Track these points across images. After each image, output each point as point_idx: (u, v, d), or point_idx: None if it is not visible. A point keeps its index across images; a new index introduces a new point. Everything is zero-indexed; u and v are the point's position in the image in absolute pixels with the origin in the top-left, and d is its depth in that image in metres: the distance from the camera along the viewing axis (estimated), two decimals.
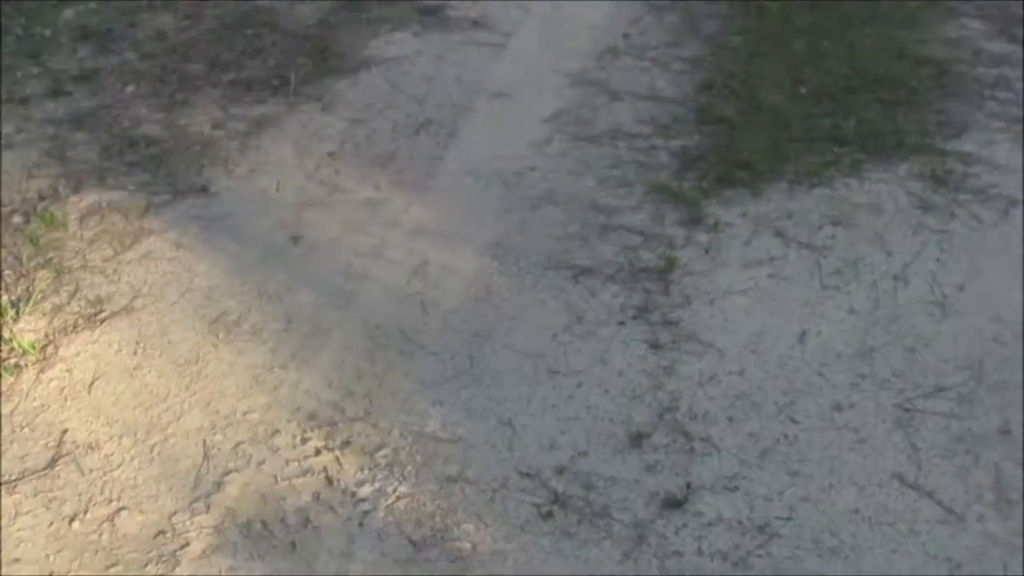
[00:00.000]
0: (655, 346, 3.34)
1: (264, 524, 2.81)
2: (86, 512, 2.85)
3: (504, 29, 5.12)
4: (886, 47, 4.96)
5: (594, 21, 5.20)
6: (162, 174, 4.06)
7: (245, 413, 3.12)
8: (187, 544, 2.76)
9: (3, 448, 3.01)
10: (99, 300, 3.50)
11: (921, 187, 4.02)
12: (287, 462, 2.98)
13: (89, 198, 3.94)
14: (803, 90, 4.63)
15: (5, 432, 3.06)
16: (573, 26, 5.16)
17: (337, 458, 2.99)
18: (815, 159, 4.18)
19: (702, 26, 5.17)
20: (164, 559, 2.73)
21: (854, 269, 3.63)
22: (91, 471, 2.96)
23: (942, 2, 5.38)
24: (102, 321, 3.43)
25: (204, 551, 2.74)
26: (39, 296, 3.50)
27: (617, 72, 4.80)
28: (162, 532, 2.80)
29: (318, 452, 3.01)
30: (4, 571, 2.69)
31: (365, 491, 2.90)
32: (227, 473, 2.95)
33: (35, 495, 2.90)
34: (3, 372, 3.22)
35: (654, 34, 5.10)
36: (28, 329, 3.39)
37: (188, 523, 2.82)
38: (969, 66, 4.85)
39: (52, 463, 2.98)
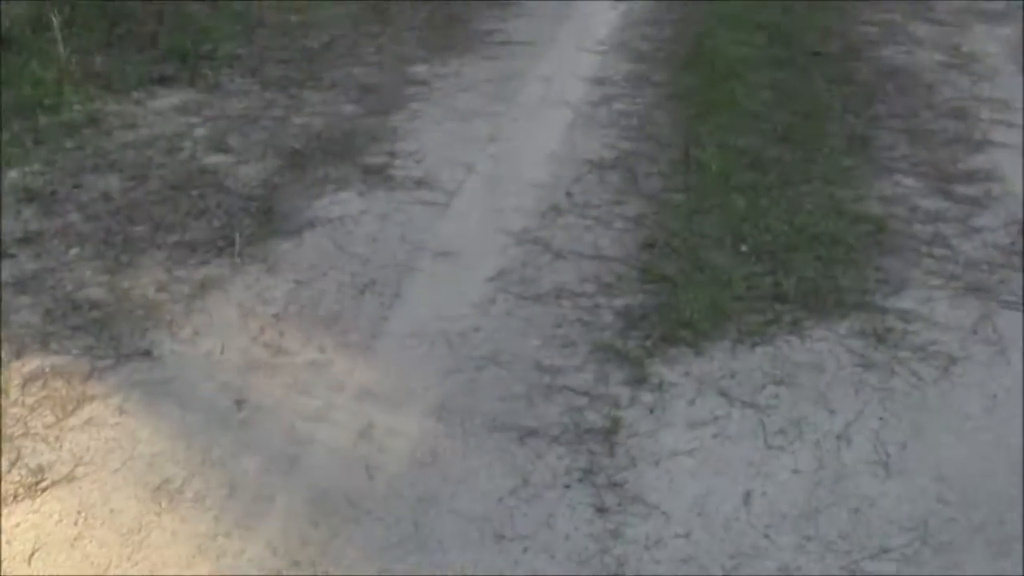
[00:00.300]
0: (601, 509, 3.33)
1: None
2: None
3: (448, 188, 5.17)
4: (824, 204, 5.05)
5: (537, 180, 5.27)
6: (106, 338, 4.04)
7: None
8: None
9: None
10: (40, 468, 3.45)
11: (862, 345, 4.07)
12: None
13: (31, 363, 3.91)
14: (744, 248, 4.70)
15: None
16: (517, 185, 5.22)
17: None
18: (757, 318, 4.22)
19: (643, 184, 5.25)
20: None
21: (797, 428, 3.65)
22: None
23: (877, 160, 5.50)
24: (43, 490, 3.38)
25: None
26: None
27: (560, 231, 4.85)
28: None
29: None
30: None
31: None
32: None
33: None
34: None
35: (597, 192, 5.17)
36: None
37: None
38: (906, 223, 4.95)
39: None
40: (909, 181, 5.34)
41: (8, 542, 3.20)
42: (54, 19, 6.22)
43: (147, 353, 3.98)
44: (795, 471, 3.47)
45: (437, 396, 3.80)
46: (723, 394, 3.81)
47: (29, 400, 3.73)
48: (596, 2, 7.78)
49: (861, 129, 5.84)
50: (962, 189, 5.28)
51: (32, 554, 3.16)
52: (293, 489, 3.40)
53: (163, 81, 6.15)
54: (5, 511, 3.30)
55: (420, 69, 6.49)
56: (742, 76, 6.42)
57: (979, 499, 3.36)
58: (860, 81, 6.47)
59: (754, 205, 5.01)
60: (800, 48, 6.90)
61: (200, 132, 5.61)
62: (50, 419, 3.64)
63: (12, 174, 5.15)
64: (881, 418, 3.69)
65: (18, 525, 3.26)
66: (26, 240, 4.66)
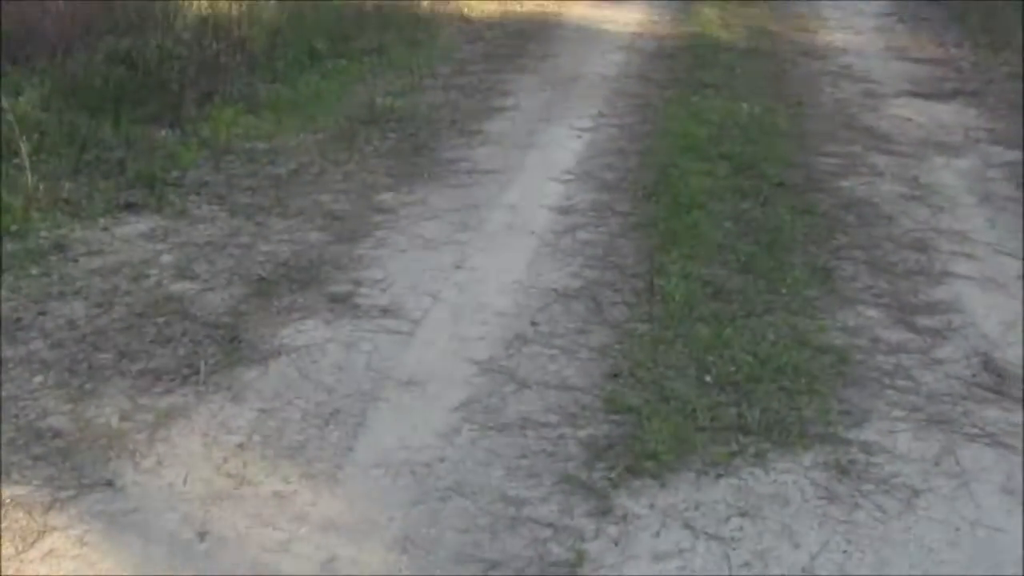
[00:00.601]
0: None
1: None
2: None
3: (413, 316, 5.19)
4: (787, 335, 5.09)
5: (503, 308, 5.30)
6: (68, 468, 4.01)
7: None
8: None
9: None
10: None
11: (826, 477, 4.08)
12: None
13: None
14: (708, 378, 4.73)
15: None
16: (482, 314, 5.25)
17: None
18: (721, 449, 4.24)
19: (608, 313, 5.28)
20: None
21: (762, 561, 3.64)
22: None
23: (839, 291, 5.56)
24: None
25: None
26: None
27: (526, 360, 4.86)
28: None
29: None
30: None
31: None
32: None
33: None
34: None
35: (562, 321, 5.20)
36: None
37: None
38: (868, 354, 4.99)
39: None
40: (871, 312, 5.39)
41: None
42: (23, 146, 6.26)
43: (109, 483, 3.95)
44: None
45: (401, 528, 3.78)
46: (688, 526, 3.81)
47: None
48: (561, 131, 7.87)
49: (823, 260, 5.90)
50: (924, 320, 5.34)
51: None
52: None
53: (130, 207, 6.17)
54: None
55: (386, 197, 6.54)
56: (705, 206, 6.50)
57: None
58: (822, 212, 6.56)
59: (718, 335, 5.05)
60: (763, 179, 6.99)
61: (167, 259, 5.62)
62: (10, 551, 3.60)
63: None
64: (845, 551, 3.69)
65: None
66: None
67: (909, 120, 8.51)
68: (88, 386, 4.52)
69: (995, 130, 8.32)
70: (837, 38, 11.19)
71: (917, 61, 10.39)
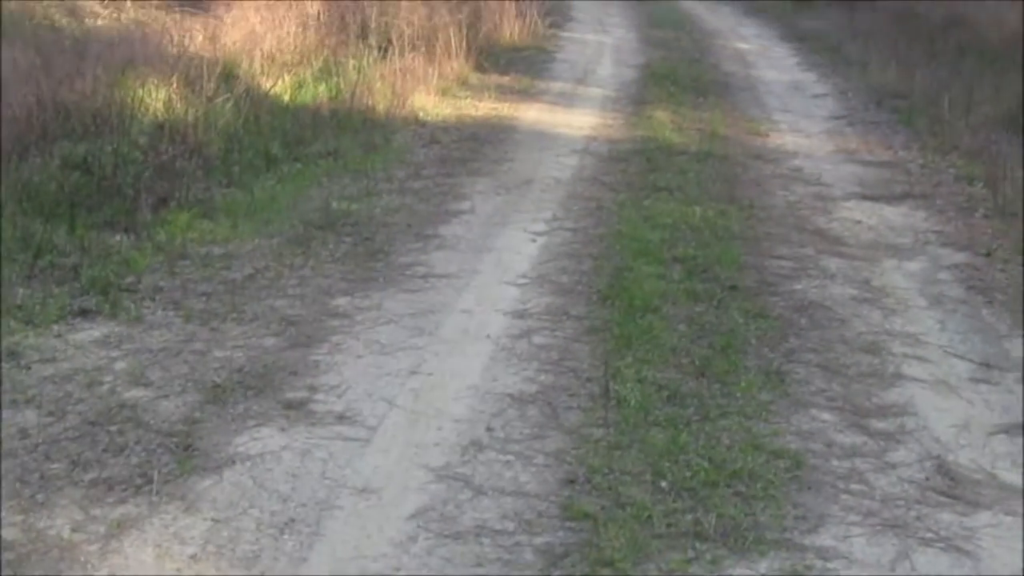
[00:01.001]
0: None
1: None
2: None
3: (369, 423, 5.18)
4: (742, 440, 5.12)
5: (458, 414, 5.30)
6: None
7: None
8: None
9: None
10: None
11: None
12: None
13: None
14: (664, 484, 4.73)
15: None
16: (438, 419, 5.24)
17: None
18: (677, 556, 4.24)
19: (564, 418, 5.29)
20: None
21: None
22: None
23: (793, 394, 5.59)
24: None
25: None
26: None
27: (481, 466, 4.86)
28: None
29: None
30: None
31: None
32: None
33: None
34: None
35: (517, 427, 5.20)
36: None
37: None
38: (823, 458, 5.02)
39: None
40: (825, 416, 5.43)
41: None
42: None
43: None
44: None
45: None
46: None
47: None
48: (516, 234, 7.91)
49: (777, 363, 5.94)
50: (877, 424, 5.37)
51: None
52: None
53: (85, 314, 6.14)
54: None
55: (342, 302, 6.55)
56: (660, 310, 6.54)
57: None
58: (775, 315, 6.61)
59: (674, 440, 5.07)
60: (716, 282, 7.05)
61: (121, 366, 5.59)
62: None
63: None
64: None
65: None
66: None
67: (860, 222, 8.61)
68: (40, 496, 4.48)
69: (944, 232, 8.43)
70: (788, 141, 11.34)
71: (866, 164, 10.53)
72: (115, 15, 12.69)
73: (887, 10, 18.21)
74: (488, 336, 6.17)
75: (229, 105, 9.83)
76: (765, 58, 16.04)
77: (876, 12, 18.21)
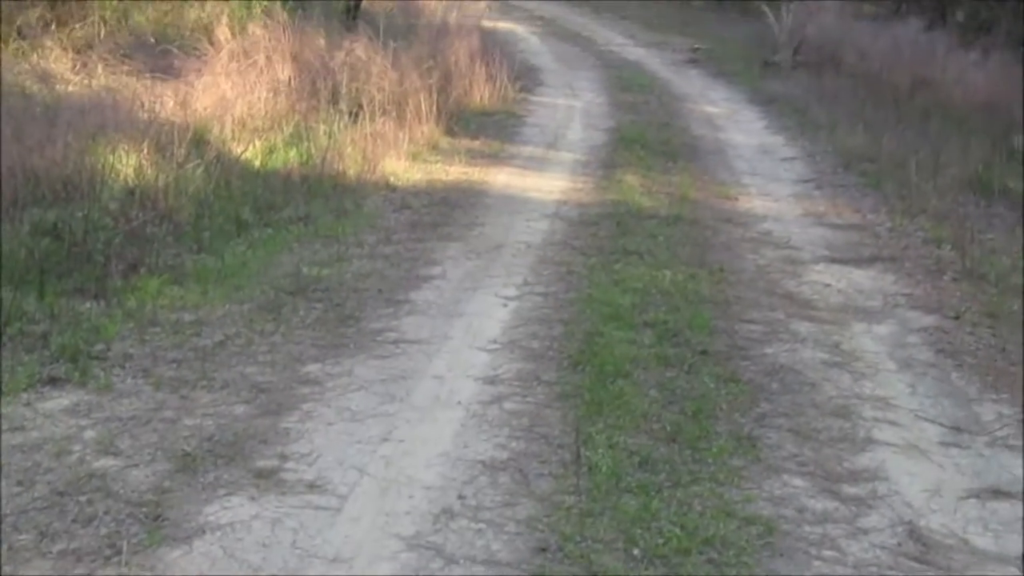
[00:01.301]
0: None
1: None
2: None
3: (340, 491, 5.16)
4: (714, 506, 5.12)
5: (430, 482, 5.28)
6: None
7: None
8: None
9: None
10: None
11: None
12: None
13: None
14: (636, 551, 4.73)
15: None
16: (409, 487, 5.23)
17: None
18: None
19: (535, 485, 5.28)
20: None
21: None
22: None
23: (765, 459, 5.59)
24: None
25: None
26: None
27: (453, 535, 4.85)
28: None
29: None
30: None
31: None
32: None
33: None
34: None
35: (489, 494, 5.19)
36: None
37: None
38: (795, 524, 5.02)
39: None
40: (797, 481, 5.43)
41: None
42: None
43: None
44: None
45: None
46: None
47: None
48: (487, 300, 7.92)
49: (748, 428, 5.95)
50: (848, 489, 5.38)
51: None
52: None
53: (54, 382, 6.11)
54: None
55: (313, 368, 6.53)
56: (631, 375, 6.54)
57: None
58: (746, 380, 6.62)
59: (645, 507, 5.06)
60: (687, 346, 7.06)
61: (90, 434, 5.56)
62: None
63: None
64: None
65: None
66: None
67: (829, 286, 8.65)
68: (7, 569, 4.44)
69: (913, 295, 8.48)
70: (757, 204, 11.39)
71: (835, 227, 10.59)
72: (86, 81, 12.68)
73: (853, 74, 18.39)
74: (459, 402, 6.16)
75: (200, 171, 9.83)
76: (733, 121, 16.13)
77: (842, 76, 18.37)
